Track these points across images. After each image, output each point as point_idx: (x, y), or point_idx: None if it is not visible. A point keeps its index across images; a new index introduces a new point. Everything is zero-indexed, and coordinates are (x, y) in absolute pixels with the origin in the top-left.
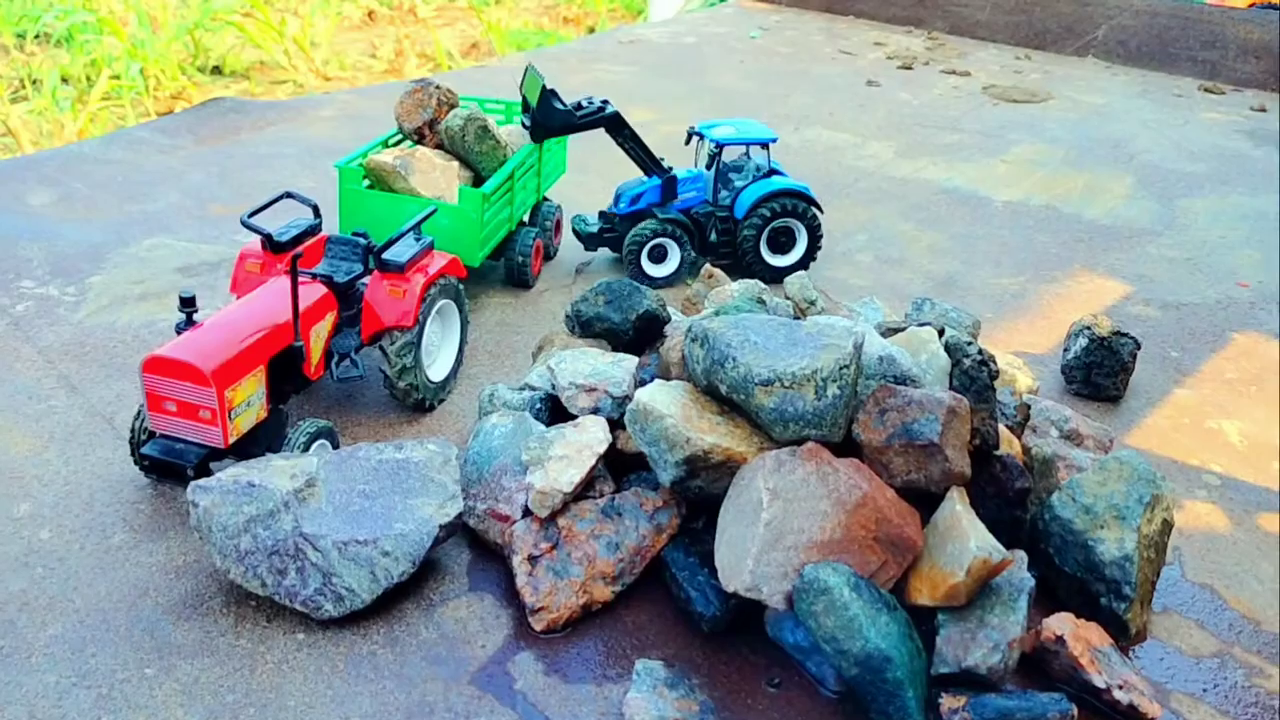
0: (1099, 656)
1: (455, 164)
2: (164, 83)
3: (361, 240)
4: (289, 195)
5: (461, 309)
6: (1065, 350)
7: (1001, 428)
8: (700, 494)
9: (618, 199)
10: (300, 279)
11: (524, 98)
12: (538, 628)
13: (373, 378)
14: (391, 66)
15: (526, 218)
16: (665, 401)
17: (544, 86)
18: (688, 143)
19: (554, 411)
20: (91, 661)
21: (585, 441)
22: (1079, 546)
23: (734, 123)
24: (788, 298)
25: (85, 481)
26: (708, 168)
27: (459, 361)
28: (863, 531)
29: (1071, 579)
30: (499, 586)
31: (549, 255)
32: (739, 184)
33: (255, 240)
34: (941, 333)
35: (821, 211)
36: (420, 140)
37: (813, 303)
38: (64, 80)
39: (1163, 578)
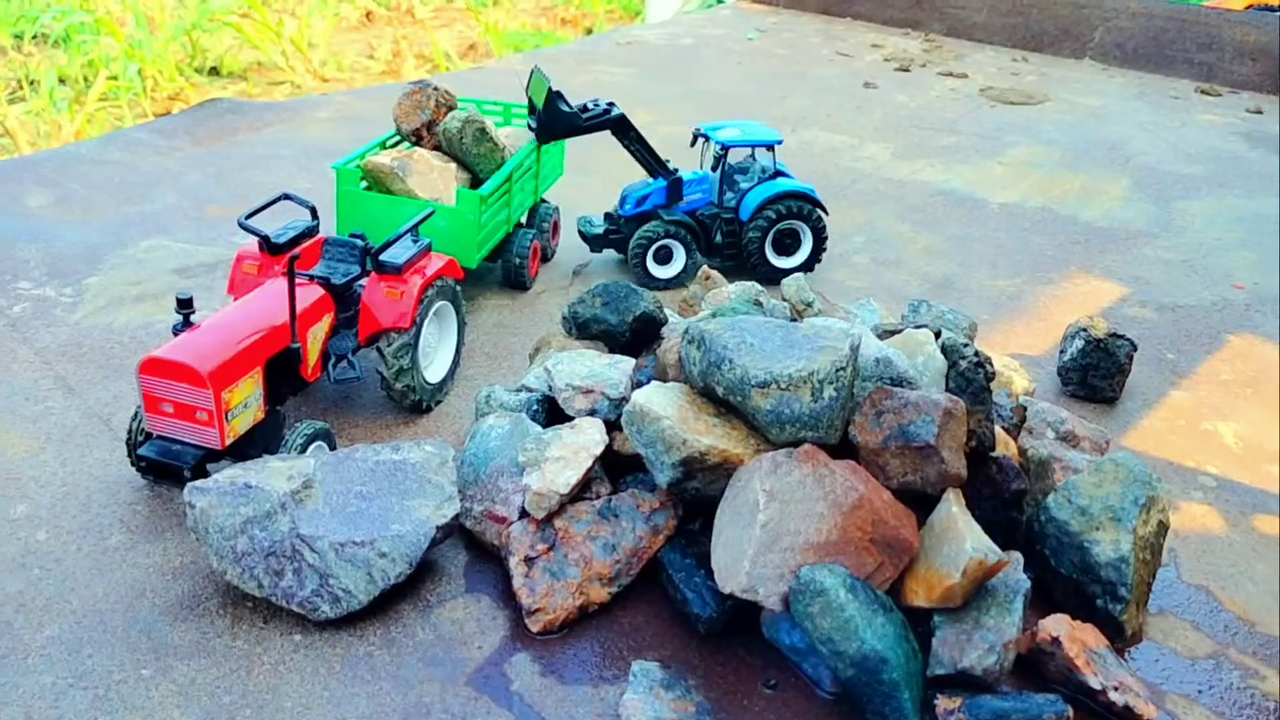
0: (1094, 658)
1: (453, 166)
2: (161, 84)
3: (359, 242)
4: (286, 197)
5: (459, 310)
6: (1061, 352)
7: (998, 429)
8: (697, 495)
9: (623, 201)
10: (297, 280)
11: (530, 100)
12: (534, 629)
13: (370, 379)
14: (389, 68)
15: (524, 219)
16: (662, 403)
17: (550, 89)
18: (693, 144)
19: (551, 413)
20: (88, 662)
21: (582, 443)
22: (1075, 548)
23: (739, 125)
24: (784, 299)
25: (82, 483)
26: (713, 170)
27: (456, 363)
28: (859, 533)
29: (1067, 580)
30: (495, 588)
31: (546, 257)
32: (744, 186)
33: (252, 242)
34: (938, 335)
35: (827, 213)
36: (418, 142)
37: (809, 304)
38: (61, 81)
39: (1158, 579)
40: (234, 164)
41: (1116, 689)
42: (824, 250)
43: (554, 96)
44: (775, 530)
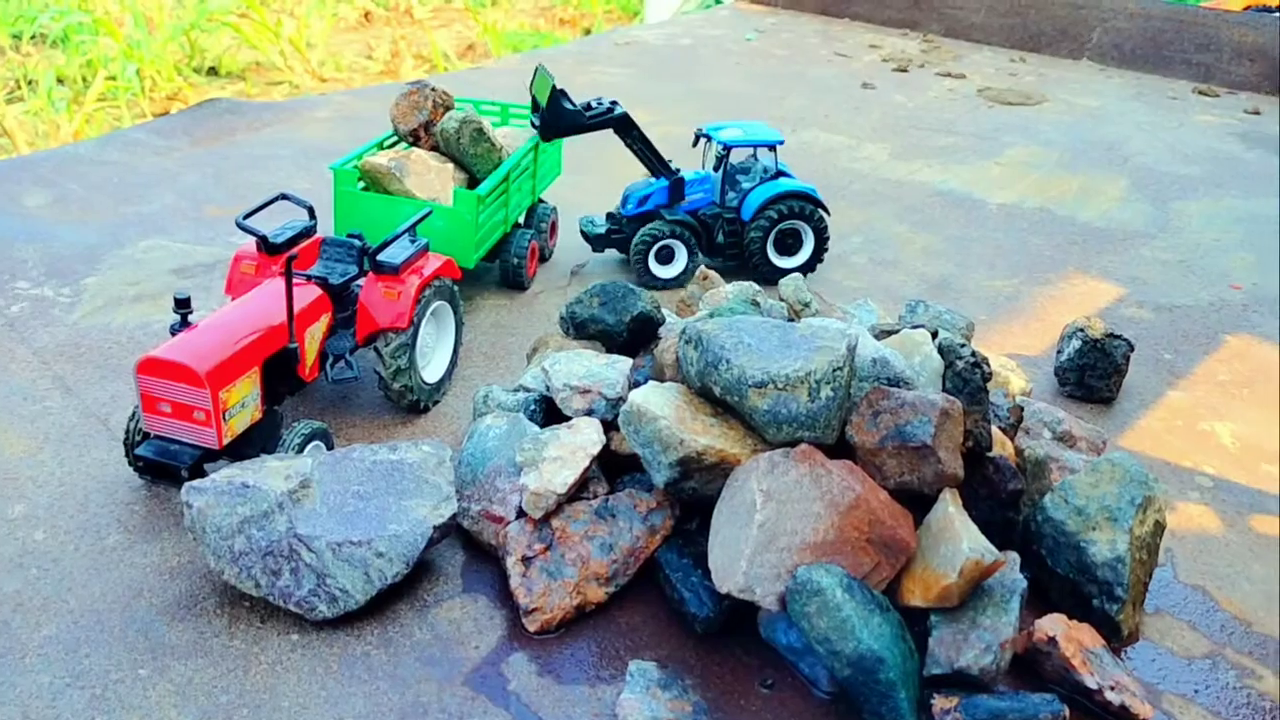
0: (1091, 657)
1: (450, 166)
2: (159, 84)
3: (356, 242)
4: (284, 197)
5: (456, 310)
6: (1058, 352)
7: (994, 429)
8: (694, 495)
9: (625, 200)
10: (295, 281)
11: (533, 98)
12: (531, 629)
13: (367, 379)
14: (387, 68)
15: (522, 219)
16: (659, 403)
17: (554, 87)
18: (695, 144)
19: (548, 413)
20: (85, 662)
21: (579, 443)
22: (1071, 548)
23: (741, 125)
24: (782, 300)
25: (80, 482)
26: (715, 170)
27: (454, 363)
28: (856, 533)
29: (1064, 580)
30: (493, 587)
31: (544, 257)
32: (746, 186)
33: (250, 242)
34: (935, 335)
35: (829, 214)
36: (415, 142)
37: (807, 305)
38: (59, 81)
39: (1155, 579)
40: (232, 164)
41: (1113, 688)
42: (826, 250)
43: (558, 95)
44: (772, 530)
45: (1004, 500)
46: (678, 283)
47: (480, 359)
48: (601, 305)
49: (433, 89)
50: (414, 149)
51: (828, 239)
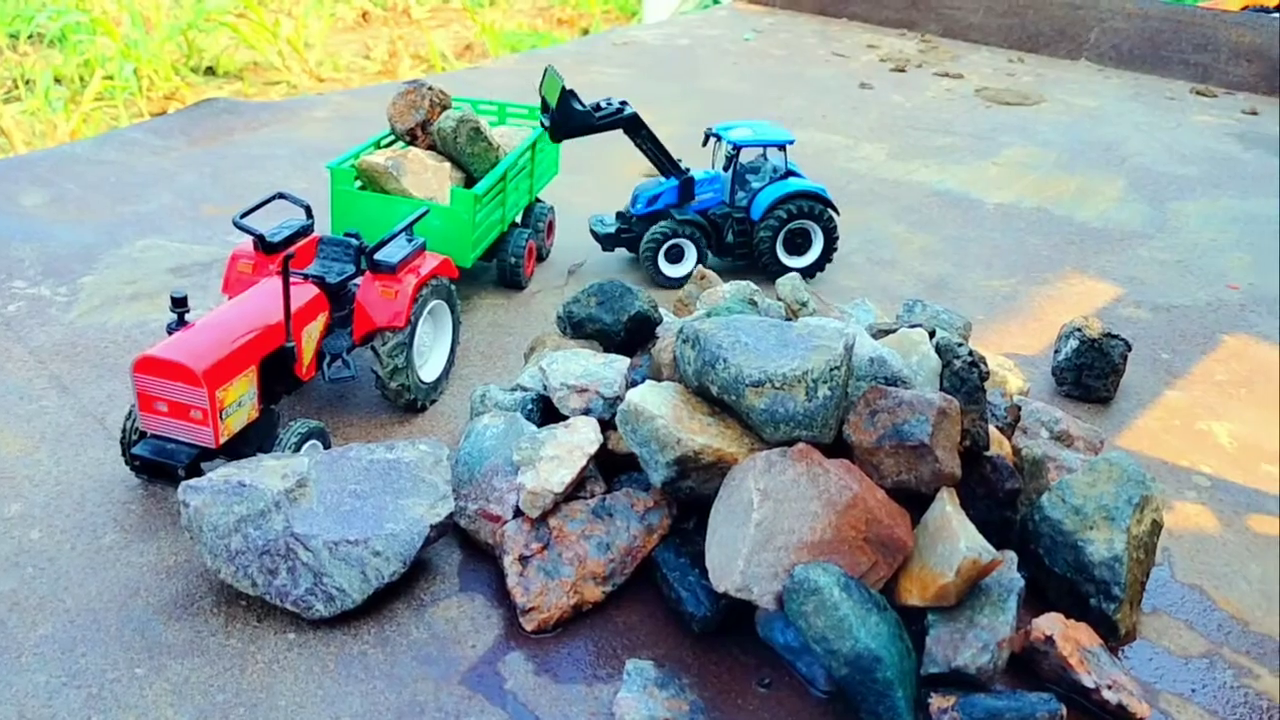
0: (1088, 657)
1: (447, 165)
2: (157, 83)
3: (353, 241)
4: (281, 196)
5: (453, 310)
6: (1056, 352)
7: (992, 429)
8: (691, 495)
9: (635, 200)
10: (292, 280)
11: (543, 99)
12: (528, 628)
13: (364, 378)
14: (385, 68)
15: (519, 219)
16: (656, 402)
17: (563, 88)
18: (705, 144)
19: (545, 412)
20: (82, 661)
21: (576, 442)
22: (1069, 547)
23: (751, 124)
24: (779, 299)
25: (76, 481)
26: (725, 169)
27: (451, 362)
28: (853, 532)
29: (1061, 579)
30: (490, 587)
31: (541, 256)
32: (756, 185)
33: (247, 241)
34: (932, 334)
35: (838, 213)
36: (413, 141)
37: (804, 304)
38: (57, 80)
39: (1152, 578)
40: (230, 164)
41: (1110, 687)
42: (835, 250)
43: (567, 95)
44: (769, 529)
45: (1001, 499)
46: (688, 281)
47: (477, 358)
48: (599, 304)
49: (430, 88)
50: (411, 148)
51: (837, 239)
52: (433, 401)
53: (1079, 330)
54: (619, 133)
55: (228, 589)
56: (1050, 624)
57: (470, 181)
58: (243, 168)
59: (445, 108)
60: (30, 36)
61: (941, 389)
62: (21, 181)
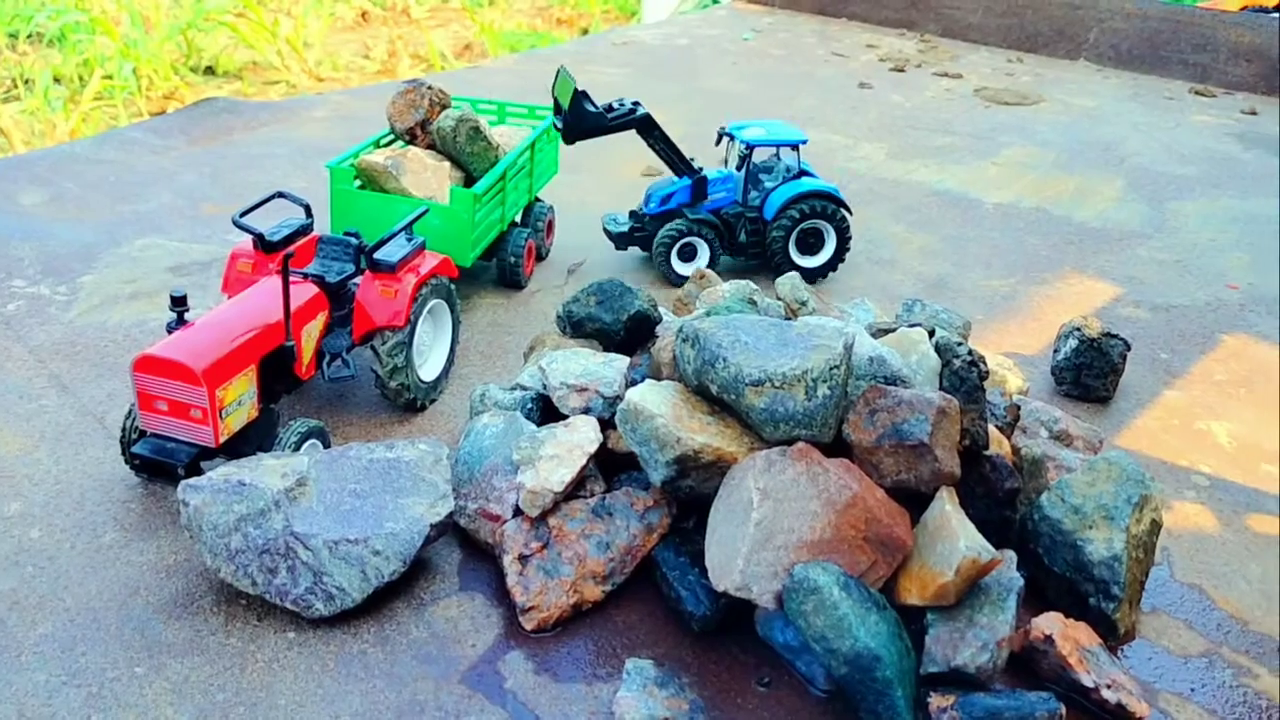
0: (1087, 656)
1: (447, 164)
2: (156, 83)
3: (353, 240)
4: (281, 195)
5: (453, 309)
6: (1055, 351)
7: (991, 428)
8: (691, 494)
9: (648, 199)
10: (292, 279)
11: (555, 100)
12: (528, 627)
13: (364, 377)
14: (384, 67)
15: (518, 218)
16: (656, 401)
17: (576, 89)
18: (718, 143)
19: (545, 411)
20: (81, 660)
21: (576, 441)
22: (1068, 546)
23: (764, 124)
24: (779, 298)
25: (76, 480)
26: (738, 169)
27: (450, 361)
28: (852, 531)
29: (1060, 579)
30: (489, 586)
31: (541, 256)
32: (769, 185)
33: (247, 240)
34: (932, 334)
35: (851, 213)
36: (412, 141)
37: (804, 303)
38: (56, 80)
39: (1151, 578)
40: (229, 163)
41: (1109, 687)
42: (848, 250)
43: (580, 96)
44: (769, 528)
45: (1001, 499)
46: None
47: (477, 357)
48: (598, 304)
49: (429, 87)
50: (410, 147)
51: (849, 238)
52: (432, 401)
53: (1078, 330)
54: (618, 132)
55: (227, 588)
56: (1049, 623)
57: (470, 181)
58: (242, 167)
59: (444, 107)
60: (29, 36)
61: (941, 388)
62: (21, 181)
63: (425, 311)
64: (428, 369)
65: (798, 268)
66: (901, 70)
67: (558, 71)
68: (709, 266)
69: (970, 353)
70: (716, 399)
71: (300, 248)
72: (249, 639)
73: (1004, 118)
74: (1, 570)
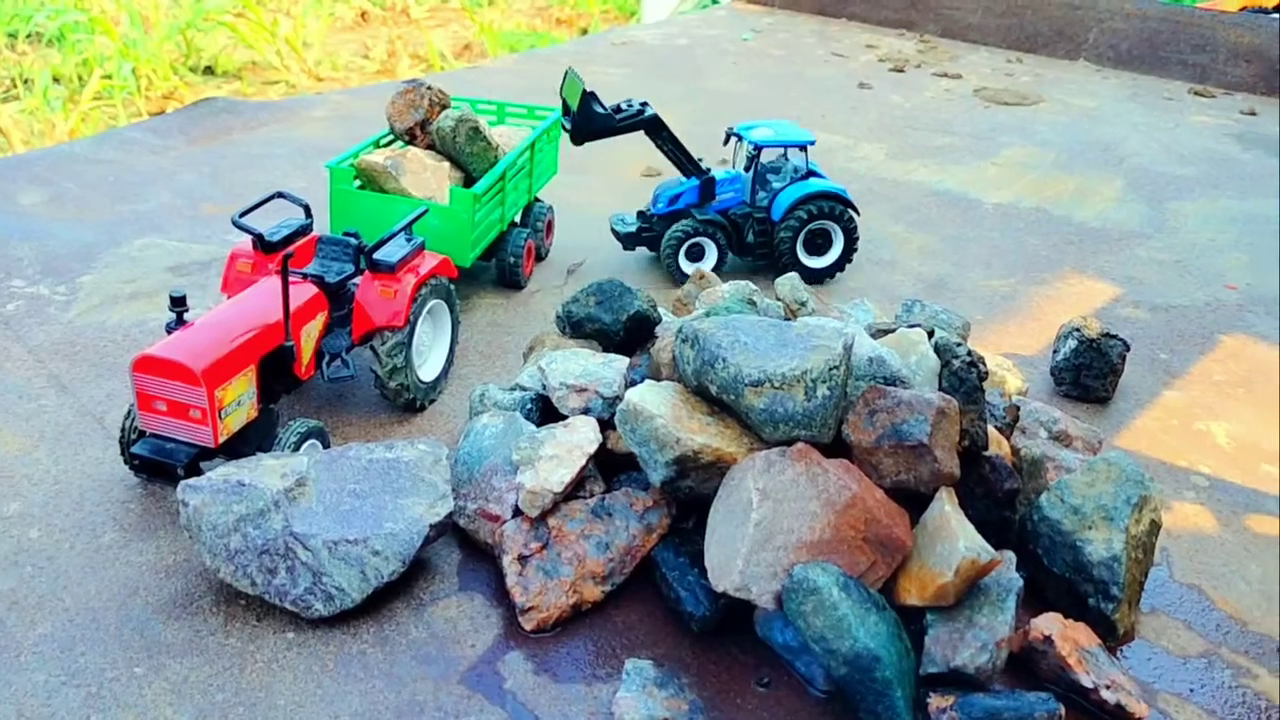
0: (1087, 656)
1: (446, 165)
2: (156, 83)
3: (353, 240)
4: (280, 195)
5: (452, 309)
6: (1054, 352)
7: (990, 429)
8: (690, 494)
9: (656, 199)
10: (291, 279)
11: (564, 101)
12: (528, 627)
13: (363, 378)
14: (384, 67)
15: (518, 218)
16: (655, 402)
17: (584, 90)
18: (726, 143)
19: (545, 412)
20: (81, 660)
21: (576, 442)
22: (1067, 547)
23: (772, 124)
24: (778, 299)
25: (75, 480)
26: (746, 169)
27: (450, 362)
28: (852, 532)
29: (1060, 579)
30: (489, 586)
31: (540, 256)
32: (776, 185)
33: (246, 240)
34: (931, 334)
35: (858, 214)
36: (411, 141)
37: (803, 304)
38: (55, 80)
39: (1151, 578)
40: (228, 163)
41: (1108, 687)
42: (855, 250)
43: (588, 97)
44: (768, 529)
45: (1000, 499)
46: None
47: (476, 358)
48: (598, 304)
49: (429, 88)
50: (410, 148)
51: (857, 239)
52: (432, 401)
53: (1077, 330)
54: (627, 133)
55: (227, 588)
56: (1049, 624)
57: (469, 181)
58: (241, 167)
59: (444, 107)
60: (29, 35)
61: (940, 389)
62: (20, 180)
63: (425, 312)
64: (427, 369)
65: (805, 268)
66: (901, 70)
67: (565, 73)
68: (717, 267)
69: (969, 353)
70: (716, 399)
71: (300, 248)
72: (248, 639)
73: (1003, 118)
74: (1, 570)
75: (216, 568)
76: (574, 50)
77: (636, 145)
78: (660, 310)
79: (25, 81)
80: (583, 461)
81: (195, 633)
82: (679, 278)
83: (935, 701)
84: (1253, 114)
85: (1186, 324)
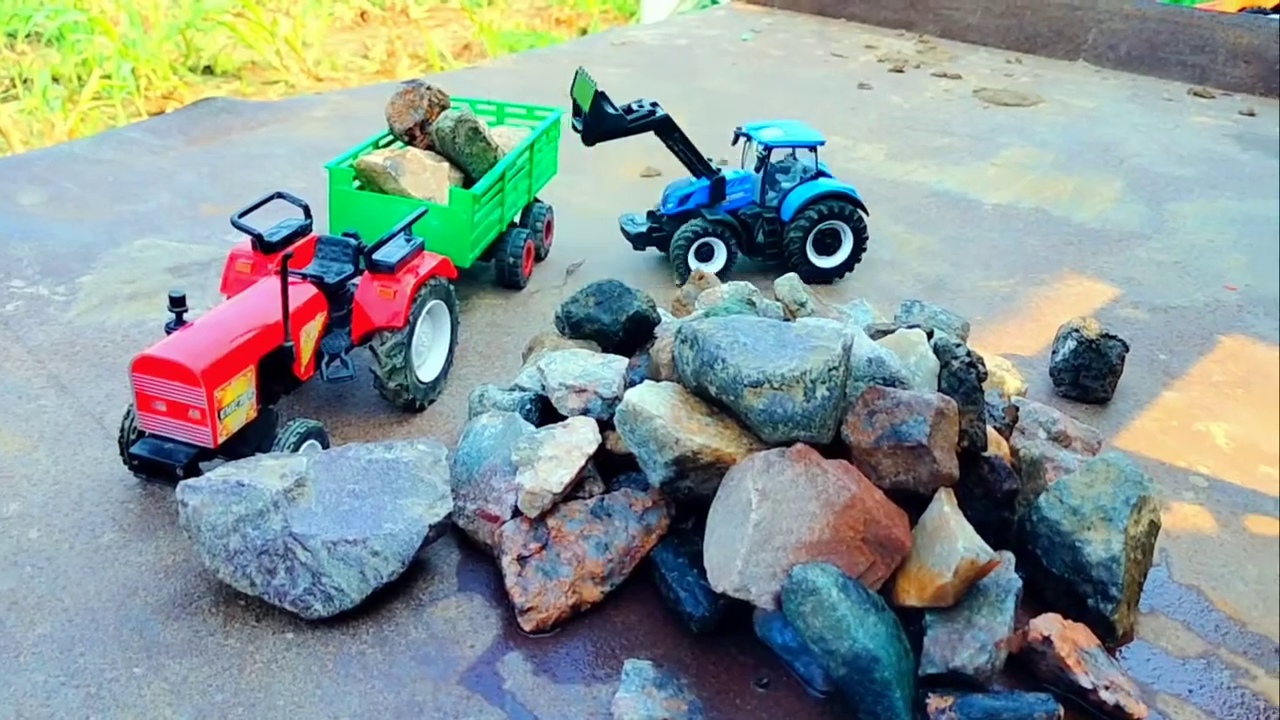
0: (1085, 657)
1: (446, 165)
2: (155, 83)
3: (352, 241)
4: (280, 196)
5: (452, 310)
6: (1054, 352)
7: (990, 429)
8: (689, 495)
9: (666, 199)
10: (291, 279)
11: (574, 101)
12: (527, 628)
13: (363, 378)
14: (383, 67)
15: (517, 219)
16: (655, 402)
17: (596, 91)
18: (734, 143)
19: (544, 412)
20: (80, 660)
21: (575, 442)
22: (1066, 548)
23: (781, 124)
24: (778, 299)
25: (74, 481)
26: (756, 170)
27: (449, 362)
28: (851, 532)
29: (1059, 580)
30: (488, 587)
31: (540, 256)
32: (786, 186)
33: (246, 240)
34: (930, 335)
35: (868, 214)
36: (411, 141)
37: (802, 304)
38: (55, 80)
39: (1150, 579)
40: (228, 163)
41: (1107, 688)
42: (864, 250)
43: (600, 98)
44: (767, 529)
45: (999, 500)
46: (718, 280)
47: (476, 358)
48: (597, 305)
49: (428, 88)
50: (409, 148)
51: (866, 239)
52: (431, 401)
53: (1077, 331)
54: (638, 134)
55: (226, 588)
56: (1048, 624)
57: (469, 181)
58: (241, 167)
59: (444, 107)
60: (28, 35)
61: (939, 389)
62: (19, 180)
63: (424, 312)
64: (426, 370)
65: (815, 268)
66: (900, 71)
67: (576, 73)
68: (726, 266)
69: (969, 354)
70: (715, 400)
71: (299, 248)
72: (247, 640)
73: (1003, 118)
74: (0, 570)
75: (216, 568)
76: (573, 50)
77: (636, 146)
78: (659, 311)
79: (24, 81)
80: (582, 462)
81: (194, 633)
82: (689, 277)
83: (934, 702)
84: (1252, 115)
85: (1185, 325)
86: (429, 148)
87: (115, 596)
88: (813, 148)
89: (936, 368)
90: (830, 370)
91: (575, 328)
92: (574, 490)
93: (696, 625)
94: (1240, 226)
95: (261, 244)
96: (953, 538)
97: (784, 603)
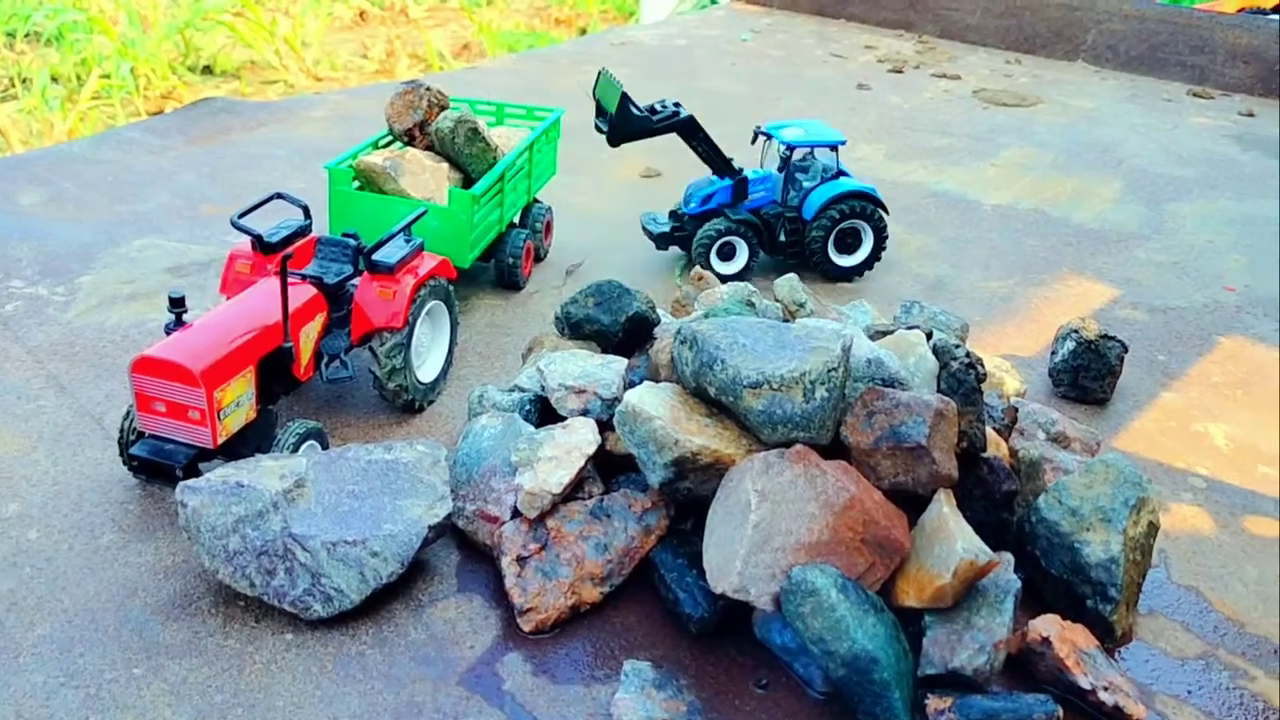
0: (1084, 658)
1: (445, 165)
2: (154, 82)
3: (351, 241)
4: (279, 196)
5: (451, 310)
6: (1053, 353)
7: (989, 430)
8: (689, 495)
9: (688, 199)
10: (290, 280)
11: (598, 103)
12: (526, 628)
13: (362, 379)
14: (383, 67)
15: (517, 219)
16: (654, 403)
17: (622, 93)
18: (754, 142)
19: (543, 413)
20: (79, 661)
21: (574, 443)
22: (1065, 549)
23: (802, 124)
24: (777, 300)
25: (74, 481)
26: (779, 170)
27: (449, 363)
28: (850, 533)
29: (1058, 581)
30: (487, 587)
31: (539, 257)
32: (807, 185)
33: (245, 241)
34: (929, 336)
35: (888, 213)
36: (410, 142)
37: (802, 305)
38: (54, 79)
39: (1148, 580)
40: (227, 163)
41: (1106, 689)
42: (884, 249)
43: (626, 100)
44: (767, 530)
45: (998, 501)
46: (740, 278)
47: (475, 359)
48: (597, 305)
49: (428, 88)
50: (409, 148)
51: (886, 238)
52: (430, 402)
53: (1076, 332)
54: (663, 135)
55: (226, 589)
56: (1047, 625)
57: (468, 182)
58: (240, 167)
59: (443, 108)
60: (27, 35)
61: (939, 390)
62: (19, 180)
63: (424, 313)
64: (426, 370)
65: (836, 266)
66: (900, 71)
67: (599, 74)
68: (748, 266)
69: (968, 355)
70: (715, 401)
71: (299, 249)
72: (247, 640)
73: (1002, 119)
74: (0, 571)
75: (215, 569)
76: (573, 50)
77: (636, 146)
78: (659, 311)
79: (23, 81)
80: (581, 463)
81: (194, 634)
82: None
83: (933, 703)
84: (1251, 115)
85: (1185, 325)
86: (428, 148)
87: (115, 597)
88: (834, 147)
89: (935, 369)
90: (829, 371)
91: (575, 328)
92: (573, 491)
93: (696, 626)
94: (1239, 227)
95: (261, 244)
96: (952, 539)
97: (783, 604)
